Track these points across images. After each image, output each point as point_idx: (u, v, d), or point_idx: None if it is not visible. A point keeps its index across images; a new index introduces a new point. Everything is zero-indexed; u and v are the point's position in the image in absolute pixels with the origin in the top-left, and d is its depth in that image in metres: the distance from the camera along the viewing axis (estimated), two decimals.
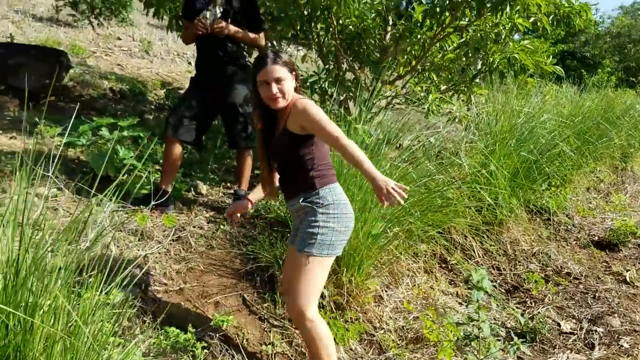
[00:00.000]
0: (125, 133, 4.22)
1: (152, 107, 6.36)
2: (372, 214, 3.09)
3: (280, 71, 2.17)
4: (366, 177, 2.00)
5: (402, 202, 1.90)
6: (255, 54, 4.96)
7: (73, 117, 4.73)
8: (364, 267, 3.02)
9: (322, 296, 2.87)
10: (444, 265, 3.98)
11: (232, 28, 3.37)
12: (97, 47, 10.45)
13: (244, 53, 3.70)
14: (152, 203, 2.98)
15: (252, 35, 3.49)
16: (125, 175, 3.88)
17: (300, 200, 2.26)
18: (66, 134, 4.34)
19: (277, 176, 2.44)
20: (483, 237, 4.27)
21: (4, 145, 3.93)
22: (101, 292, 2.17)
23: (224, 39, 3.38)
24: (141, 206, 3.36)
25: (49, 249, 1.81)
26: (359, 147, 2.05)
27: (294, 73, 2.25)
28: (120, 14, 12.15)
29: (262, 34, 3.57)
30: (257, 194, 2.53)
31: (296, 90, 2.28)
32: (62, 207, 3.28)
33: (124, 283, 2.16)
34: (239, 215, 2.53)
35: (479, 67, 5.58)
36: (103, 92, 6.49)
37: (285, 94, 2.19)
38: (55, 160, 3.87)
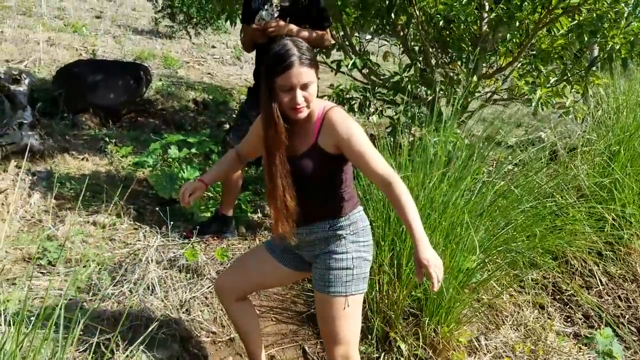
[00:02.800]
0: (194, 150, 3.97)
1: (233, 116, 6.13)
2: (463, 243, 2.51)
3: (309, 74, 1.66)
4: (412, 237, 1.62)
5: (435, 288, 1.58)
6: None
7: (147, 134, 4.51)
8: (454, 312, 2.45)
9: (400, 351, 2.35)
10: (558, 297, 3.28)
11: (291, 27, 2.92)
12: (191, 56, 10.57)
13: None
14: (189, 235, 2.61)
15: (316, 33, 3.02)
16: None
17: (328, 228, 1.82)
18: (135, 153, 4.19)
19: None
20: (607, 260, 3.50)
21: (72, 169, 3.80)
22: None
23: None
24: (202, 237, 3.05)
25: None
26: (411, 196, 1.65)
27: (317, 72, 1.74)
28: (215, 22, 12.24)
29: (327, 32, 3.10)
30: (211, 176, 2.05)
31: None
32: (118, 236, 3.05)
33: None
34: (192, 197, 1.96)
35: (595, 53, 4.71)
36: (186, 104, 6.37)
37: (310, 102, 1.69)
38: (120, 184, 3.71)
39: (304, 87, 1.66)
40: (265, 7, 2.96)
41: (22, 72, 5.04)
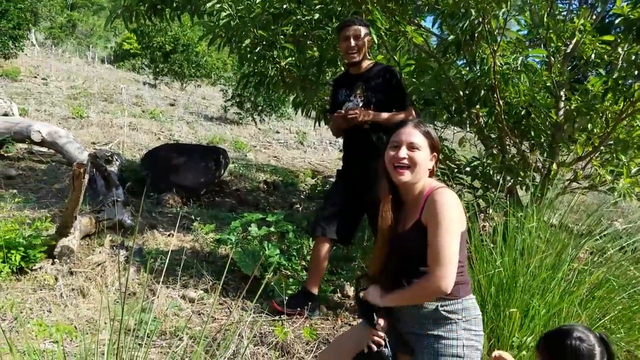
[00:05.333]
0: (272, 228, 4.08)
1: (302, 197, 6.29)
2: None
3: (418, 137, 1.77)
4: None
5: None
6: None
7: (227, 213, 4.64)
8: None
9: None
10: None
11: (373, 114, 3.05)
12: (257, 141, 11.05)
13: None
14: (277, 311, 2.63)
15: (399, 114, 3.12)
16: (272, 274, 3.68)
17: (437, 307, 1.75)
18: (216, 230, 4.34)
19: None
20: None
21: (161, 244, 3.97)
22: None
23: (367, 130, 3.09)
24: (290, 309, 3.07)
25: None
26: (420, 295, 1.76)
27: (434, 153, 1.82)
28: (279, 109, 12.91)
29: (410, 109, 3.17)
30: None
31: (431, 174, 1.84)
32: (207, 311, 3.11)
33: None
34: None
35: None
36: (257, 185, 6.61)
37: (415, 166, 1.75)
38: (205, 259, 3.83)
39: (410, 146, 1.76)
40: (351, 98, 3.15)
41: (114, 153, 5.42)
